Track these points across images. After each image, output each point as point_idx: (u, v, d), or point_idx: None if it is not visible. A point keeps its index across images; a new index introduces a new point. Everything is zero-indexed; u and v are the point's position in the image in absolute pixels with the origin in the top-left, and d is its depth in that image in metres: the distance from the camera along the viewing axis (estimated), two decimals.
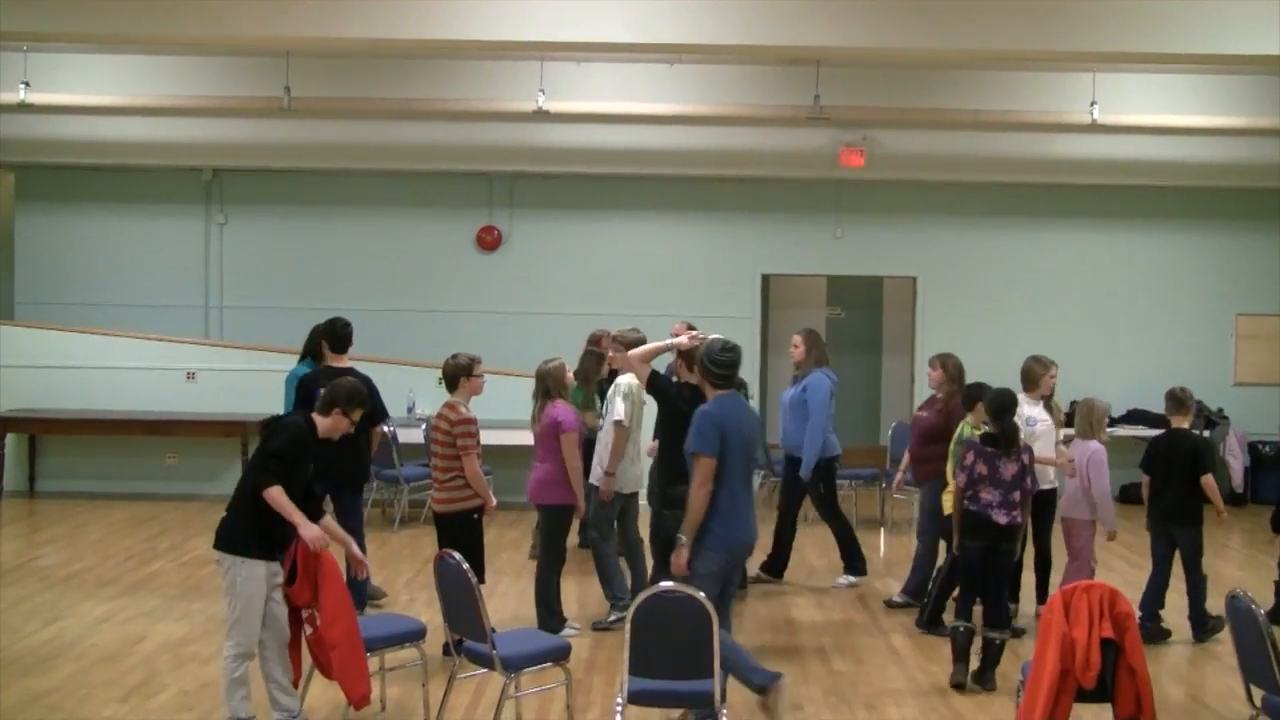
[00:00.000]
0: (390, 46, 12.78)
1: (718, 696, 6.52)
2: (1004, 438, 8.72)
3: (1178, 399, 10.10)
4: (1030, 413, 10.11)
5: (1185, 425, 10.10)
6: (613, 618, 9.84)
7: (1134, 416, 16.62)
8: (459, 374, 8.89)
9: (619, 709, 6.60)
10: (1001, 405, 8.79)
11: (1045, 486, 10.10)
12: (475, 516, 8.84)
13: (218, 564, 7.20)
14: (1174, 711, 8.18)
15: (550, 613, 9.67)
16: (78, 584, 11.05)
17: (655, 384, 8.81)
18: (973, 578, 8.80)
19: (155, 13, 11.56)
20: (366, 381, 8.82)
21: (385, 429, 10.69)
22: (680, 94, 15.36)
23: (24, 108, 14.60)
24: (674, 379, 9.04)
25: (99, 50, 14.83)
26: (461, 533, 8.67)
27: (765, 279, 17.45)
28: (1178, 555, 9.94)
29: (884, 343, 18.56)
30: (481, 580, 8.09)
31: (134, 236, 17.24)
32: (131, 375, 15.59)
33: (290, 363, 11.24)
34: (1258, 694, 6.63)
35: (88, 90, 15.04)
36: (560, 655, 7.46)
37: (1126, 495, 15.97)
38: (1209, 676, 9.11)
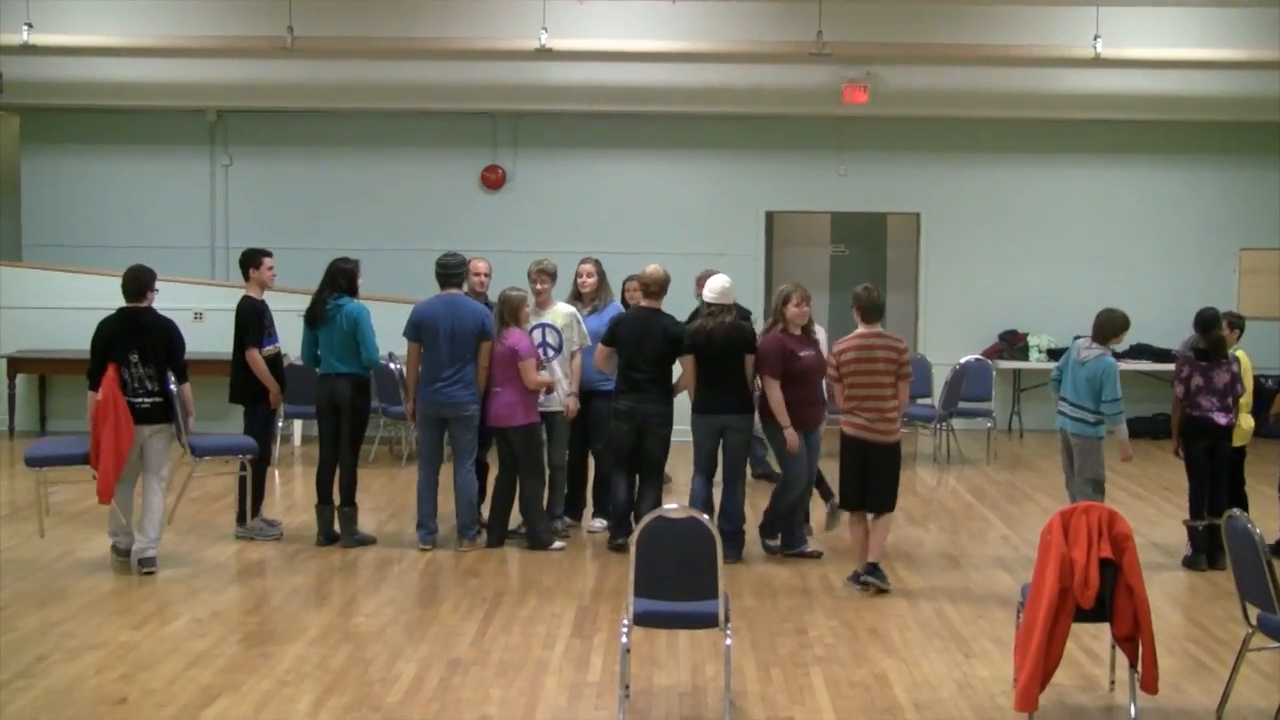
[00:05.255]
0: None
1: (722, 617, 6.63)
2: (1213, 350, 9.96)
3: None
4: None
5: None
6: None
7: (1138, 351, 16.65)
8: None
9: (625, 630, 6.70)
10: (1207, 321, 10.08)
11: None
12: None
13: None
14: (1172, 632, 8.30)
15: (546, 526, 10.41)
16: (89, 520, 11.16)
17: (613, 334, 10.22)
18: (1202, 476, 10.06)
19: None
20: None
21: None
22: (683, 31, 15.37)
23: (27, 49, 14.61)
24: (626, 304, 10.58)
25: None
26: (897, 461, 9.24)
27: (769, 216, 17.51)
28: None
29: (888, 279, 18.57)
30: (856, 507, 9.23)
31: (139, 178, 17.31)
32: None
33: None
34: (1254, 613, 6.73)
35: (91, 31, 15.08)
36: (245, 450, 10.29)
37: (1132, 430, 16.05)
38: (1207, 600, 9.22)
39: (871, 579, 9.17)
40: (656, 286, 10.14)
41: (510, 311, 10.18)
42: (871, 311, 9.22)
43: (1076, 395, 9.80)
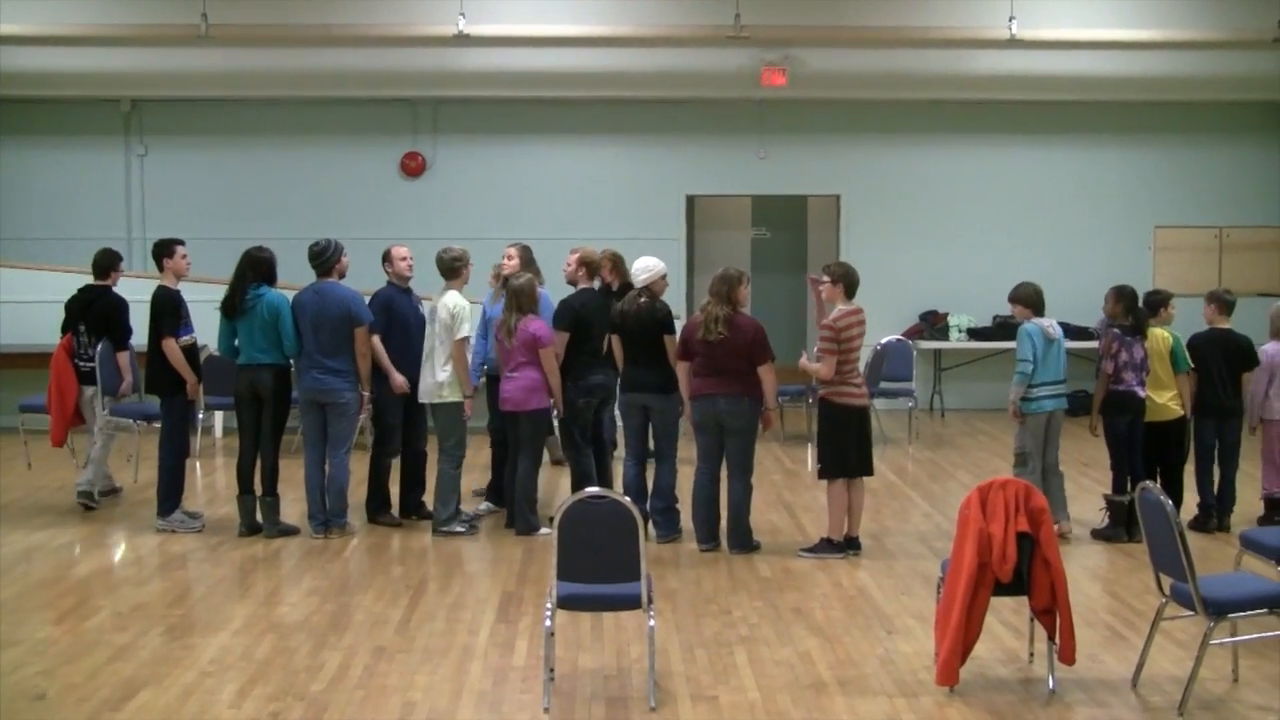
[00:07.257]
0: None
1: (645, 598, 6.66)
2: (1138, 325, 10.17)
3: (1229, 302, 10.72)
4: None
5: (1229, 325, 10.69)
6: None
7: None
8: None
9: (549, 614, 6.71)
10: (1134, 297, 10.29)
11: None
12: None
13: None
14: (1089, 604, 8.41)
15: (533, 511, 10.31)
16: (11, 514, 11.06)
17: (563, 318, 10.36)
18: (1123, 450, 10.21)
19: None
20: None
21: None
22: (601, 16, 15.38)
23: None
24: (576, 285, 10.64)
25: None
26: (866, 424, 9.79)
27: (690, 200, 17.54)
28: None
29: (809, 262, 18.68)
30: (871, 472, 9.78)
31: (52, 169, 17.05)
32: (57, 309, 15.36)
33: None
34: (1167, 583, 6.84)
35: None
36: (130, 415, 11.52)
37: None
38: (1124, 572, 9.36)
39: (856, 551, 9.74)
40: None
41: (526, 299, 10.08)
42: (855, 288, 9.70)
43: (1059, 373, 10.15)
